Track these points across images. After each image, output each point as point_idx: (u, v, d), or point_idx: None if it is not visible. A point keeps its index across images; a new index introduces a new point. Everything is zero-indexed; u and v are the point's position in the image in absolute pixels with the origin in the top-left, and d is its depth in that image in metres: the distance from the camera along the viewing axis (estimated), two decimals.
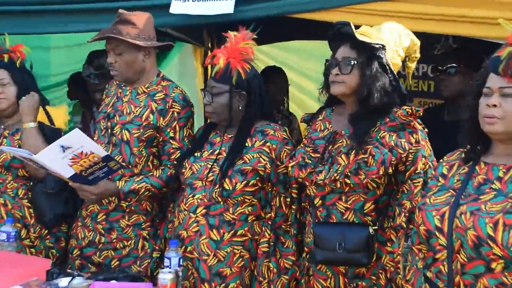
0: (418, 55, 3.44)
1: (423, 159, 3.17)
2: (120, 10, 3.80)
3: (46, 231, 4.04)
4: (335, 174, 3.16)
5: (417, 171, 3.16)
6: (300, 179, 3.32)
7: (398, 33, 3.31)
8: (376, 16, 3.72)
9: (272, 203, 3.51)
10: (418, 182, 3.15)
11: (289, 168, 3.34)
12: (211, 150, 3.60)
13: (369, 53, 3.19)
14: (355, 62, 3.19)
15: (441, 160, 2.77)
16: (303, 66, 6.95)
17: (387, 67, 3.21)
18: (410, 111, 3.19)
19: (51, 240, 4.07)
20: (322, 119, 3.43)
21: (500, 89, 2.44)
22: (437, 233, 2.50)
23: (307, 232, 3.40)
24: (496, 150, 2.54)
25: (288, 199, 3.50)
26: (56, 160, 3.39)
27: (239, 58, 3.52)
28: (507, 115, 2.42)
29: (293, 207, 3.51)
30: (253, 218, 3.52)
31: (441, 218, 2.48)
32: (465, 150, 2.65)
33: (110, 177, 3.67)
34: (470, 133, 2.58)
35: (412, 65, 3.47)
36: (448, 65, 4.40)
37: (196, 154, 3.62)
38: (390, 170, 3.14)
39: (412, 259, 2.78)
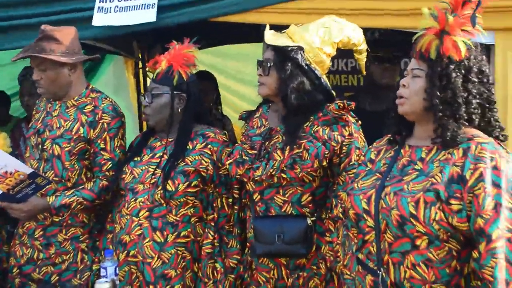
0: (363, 47, 3.47)
1: (357, 150, 3.24)
2: (43, 26, 3.76)
3: None
4: (272, 170, 3.21)
5: (351, 163, 3.22)
6: (238, 176, 3.36)
7: (328, 29, 3.33)
8: (300, 14, 3.77)
9: (214, 205, 3.55)
10: (353, 173, 3.17)
11: (227, 166, 3.39)
12: (151, 154, 3.61)
13: (284, 54, 3.25)
14: (271, 64, 3.26)
15: (370, 146, 2.85)
16: (239, 71, 7.00)
17: (306, 67, 3.26)
18: (342, 105, 3.26)
19: None
20: (259, 116, 3.49)
21: (412, 70, 2.55)
22: (365, 215, 2.57)
23: (248, 228, 3.45)
24: (418, 132, 2.62)
25: (230, 200, 3.55)
26: None
27: (181, 62, 3.57)
28: (411, 95, 2.53)
29: (235, 207, 3.56)
30: (196, 219, 3.55)
31: (367, 201, 2.57)
32: (391, 136, 2.73)
33: (43, 192, 3.65)
34: (395, 117, 2.66)
35: (361, 57, 3.50)
36: (394, 53, 4.49)
37: (135, 159, 3.63)
38: (324, 163, 3.20)
39: (349, 244, 2.85)
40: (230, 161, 3.37)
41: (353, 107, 3.30)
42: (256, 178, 3.27)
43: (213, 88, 5.84)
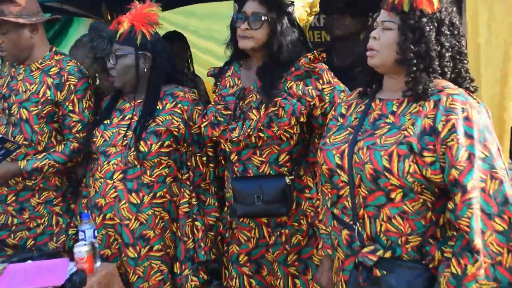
0: (317, 8, 3.46)
1: (342, 93, 3.21)
2: None
3: None
4: (249, 130, 3.19)
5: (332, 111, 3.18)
6: (214, 138, 3.34)
7: None
8: None
9: (189, 163, 3.53)
10: None
11: (202, 128, 3.36)
12: (121, 117, 3.58)
13: (279, 9, 3.21)
14: (266, 18, 3.20)
15: (339, 101, 2.84)
16: (211, 29, 6.89)
17: (295, 22, 3.24)
18: (312, 57, 3.23)
19: None
20: (231, 74, 3.44)
21: (382, 22, 2.52)
22: (338, 170, 2.56)
23: (227, 187, 3.44)
24: (388, 85, 2.60)
25: (204, 158, 3.53)
26: None
27: (144, 22, 3.50)
28: (383, 48, 2.49)
29: (211, 165, 3.55)
30: (171, 179, 3.53)
31: (340, 156, 2.56)
32: (361, 89, 2.72)
33: (13, 157, 3.61)
34: (364, 70, 2.63)
35: (311, 19, 3.48)
36: (340, 5, 4.43)
37: (105, 122, 3.60)
38: (302, 119, 3.18)
39: (323, 199, 2.86)
40: (205, 123, 3.34)
41: (324, 57, 3.27)
42: (233, 139, 3.25)
43: (184, 48, 5.77)
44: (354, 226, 2.53)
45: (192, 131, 3.52)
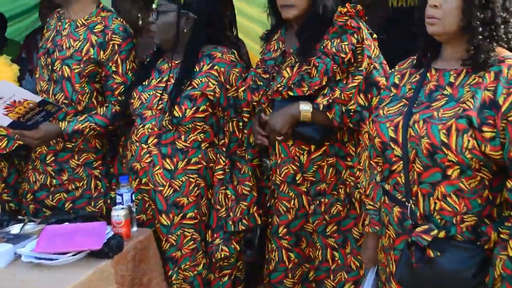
0: None
1: (368, 59, 3.10)
2: None
3: (3, 184, 3.88)
4: (279, 85, 3.13)
5: (360, 68, 3.10)
6: (255, 103, 3.28)
7: None
8: None
9: (225, 129, 3.46)
10: (357, 79, 3.09)
11: (241, 93, 3.31)
12: (159, 78, 3.50)
13: None
14: None
15: (392, 70, 2.71)
16: None
17: None
18: (343, 10, 3.11)
19: (9, 194, 3.90)
20: (277, 38, 3.34)
21: None
22: (392, 144, 2.45)
23: (270, 154, 3.36)
24: (446, 54, 2.47)
25: (241, 123, 3.45)
26: None
27: None
28: (445, 15, 2.35)
29: (245, 131, 3.46)
30: (207, 145, 3.46)
31: (395, 129, 2.45)
32: (416, 56, 2.58)
33: (54, 117, 3.54)
34: (420, 37, 2.50)
35: None
36: None
37: (144, 83, 3.52)
38: (339, 77, 3.09)
39: (371, 173, 2.75)
40: (244, 88, 3.29)
41: (360, 9, 3.14)
42: (267, 95, 3.20)
43: (227, 8, 5.62)
44: (407, 203, 2.43)
45: (229, 95, 3.43)
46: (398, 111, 2.49)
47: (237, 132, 3.45)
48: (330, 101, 3.07)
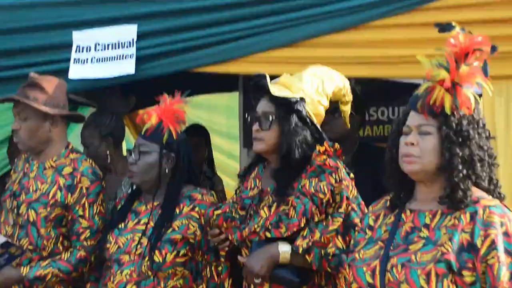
0: (349, 98, 3.33)
1: (346, 200, 3.06)
2: (31, 74, 3.63)
3: None
4: (256, 226, 3.06)
5: (339, 210, 3.06)
6: (224, 229, 3.18)
7: (320, 79, 3.20)
8: (281, 64, 3.66)
9: (203, 274, 3.39)
10: (337, 221, 3.05)
11: (214, 216, 3.21)
12: (136, 220, 3.43)
13: (288, 106, 3.08)
14: (274, 117, 3.09)
15: (366, 211, 2.68)
16: (213, 122, 6.77)
17: (308, 119, 3.11)
18: (321, 149, 3.09)
19: None
20: (254, 176, 3.30)
21: (418, 127, 2.37)
22: None
23: None
24: (420, 194, 2.44)
25: (220, 268, 3.33)
26: None
27: (172, 119, 3.41)
28: (424, 154, 2.34)
29: (225, 276, 3.31)
30: None
31: (372, 273, 2.37)
32: (390, 197, 2.53)
33: (19, 261, 3.45)
34: (393, 178, 2.47)
35: (346, 108, 3.37)
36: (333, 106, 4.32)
37: (120, 226, 3.44)
38: (316, 218, 3.03)
39: None
40: (219, 212, 3.20)
41: (337, 148, 3.13)
42: (242, 238, 3.12)
43: (204, 143, 5.60)
44: None
45: (209, 238, 3.32)
46: (374, 254, 2.42)
47: (215, 278, 3.35)
48: (310, 244, 3.00)
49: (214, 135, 6.48)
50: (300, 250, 3.00)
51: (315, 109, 3.16)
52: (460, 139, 2.32)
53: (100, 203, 3.59)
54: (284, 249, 3.03)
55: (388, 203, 2.53)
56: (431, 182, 2.39)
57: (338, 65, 3.39)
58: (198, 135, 5.52)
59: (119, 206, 3.58)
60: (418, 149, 2.35)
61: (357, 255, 2.47)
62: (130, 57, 3.85)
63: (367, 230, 2.54)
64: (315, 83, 3.17)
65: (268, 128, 3.09)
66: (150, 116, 3.40)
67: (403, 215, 2.45)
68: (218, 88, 5.74)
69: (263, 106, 3.14)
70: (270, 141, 3.11)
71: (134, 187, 3.57)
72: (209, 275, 3.36)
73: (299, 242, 3.01)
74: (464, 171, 2.32)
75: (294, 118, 3.08)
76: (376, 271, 2.36)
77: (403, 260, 2.31)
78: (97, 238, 3.53)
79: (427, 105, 2.35)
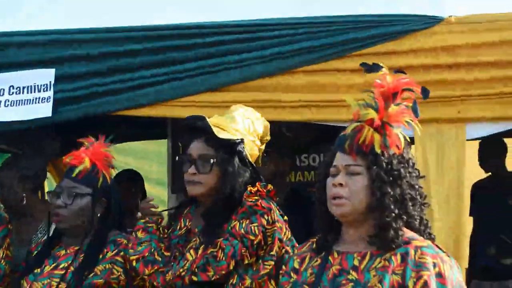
0: (269, 137, 3.25)
1: (279, 242, 2.94)
2: None
3: None
4: (181, 270, 2.90)
5: (271, 253, 2.93)
6: (146, 277, 3.02)
7: (250, 120, 3.14)
8: (207, 108, 3.64)
9: None
10: (269, 264, 2.93)
11: (134, 263, 3.04)
12: (54, 265, 3.22)
13: (229, 148, 2.99)
14: (215, 160, 2.97)
15: (291, 254, 2.59)
16: (143, 169, 6.53)
17: (247, 160, 3.03)
18: (253, 189, 2.98)
19: None
20: (185, 215, 3.16)
21: (346, 167, 2.31)
22: None
23: None
24: (348, 236, 2.35)
25: None
26: None
27: (104, 162, 3.28)
28: (353, 194, 2.28)
29: None
30: None
31: None
32: (316, 239, 2.44)
33: None
34: (320, 219, 2.40)
35: (262, 148, 3.26)
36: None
37: (35, 271, 3.21)
38: (247, 261, 2.89)
39: None
40: (136, 256, 3.03)
41: (271, 189, 3.03)
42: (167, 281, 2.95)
43: (139, 189, 5.42)
44: None
45: (134, 283, 3.15)
46: None
47: None
48: None
49: (147, 183, 6.36)
50: None
51: (251, 149, 3.09)
52: (391, 178, 2.27)
53: (6, 247, 3.45)
54: None
55: (315, 245, 2.43)
56: (360, 223, 2.32)
57: (263, 109, 3.41)
58: (132, 180, 5.38)
59: (35, 252, 3.36)
60: (347, 189, 2.29)
61: None
62: (47, 100, 3.79)
63: (292, 273, 2.42)
64: (246, 123, 3.10)
65: (208, 171, 2.97)
66: (81, 159, 3.24)
67: (330, 258, 2.35)
68: (148, 135, 5.74)
69: (198, 148, 3.01)
70: (210, 184, 2.98)
71: (52, 232, 3.38)
72: None
73: None
74: (396, 211, 2.26)
75: (236, 160, 2.99)
76: None
77: None
78: (4, 283, 3.35)
79: (356, 144, 2.30)
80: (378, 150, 2.27)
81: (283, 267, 2.57)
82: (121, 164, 6.39)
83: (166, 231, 3.17)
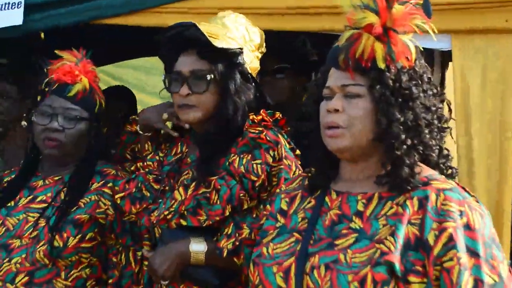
0: (264, 48, 2.90)
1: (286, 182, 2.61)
2: None
3: None
4: (166, 212, 2.64)
5: None
6: (133, 216, 2.81)
7: (244, 27, 2.80)
8: (201, 15, 3.21)
9: (115, 260, 2.98)
10: None
11: (119, 201, 2.84)
12: (31, 197, 3.03)
13: (227, 61, 2.66)
14: (212, 76, 2.63)
15: (278, 191, 2.32)
16: (145, 83, 6.77)
17: (249, 75, 2.72)
18: (257, 118, 2.69)
19: None
20: (184, 138, 2.89)
21: (343, 87, 2.01)
22: None
23: None
24: (350, 171, 2.07)
25: (139, 253, 2.93)
26: None
27: (96, 83, 3.09)
28: (352, 123, 2.00)
29: (145, 263, 2.89)
30: (93, 282, 2.99)
31: (285, 276, 1.99)
32: (309, 174, 2.16)
33: None
34: (314, 151, 2.13)
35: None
36: (276, 66, 3.86)
37: (9, 204, 3.04)
38: (246, 206, 2.60)
39: None
40: (122, 194, 2.81)
41: (279, 118, 2.74)
42: (153, 223, 2.72)
43: (127, 108, 5.16)
44: None
45: (125, 219, 2.93)
46: (288, 249, 2.02)
47: (133, 264, 2.95)
48: (237, 243, 2.57)
49: (149, 96, 6.35)
50: (225, 252, 2.58)
51: (251, 62, 2.75)
52: (400, 100, 1.98)
53: None
54: (197, 248, 2.61)
55: (307, 181, 2.15)
56: (365, 157, 2.04)
57: (251, 16, 3.02)
58: (122, 99, 5.19)
59: (6, 178, 3.16)
60: (344, 116, 2.00)
61: (264, 250, 2.07)
62: (18, 6, 3.49)
63: (278, 216, 2.15)
64: (240, 31, 2.76)
65: (204, 91, 2.63)
66: (76, 77, 3.02)
67: (327, 199, 2.08)
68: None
69: (190, 64, 2.66)
70: (207, 107, 2.65)
71: (25, 158, 3.19)
72: (124, 262, 2.96)
73: (223, 243, 2.60)
74: (409, 141, 1.97)
75: (237, 75, 2.67)
76: (291, 272, 1.98)
77: (328, 260, 1.94)
78: None
79: (352, 58, 2.00)
80: (382, 65, 1.96)
81: (267, 206, 2.27)
82: (125, 77, 6.67)
83: (160, 154, 2.90)
